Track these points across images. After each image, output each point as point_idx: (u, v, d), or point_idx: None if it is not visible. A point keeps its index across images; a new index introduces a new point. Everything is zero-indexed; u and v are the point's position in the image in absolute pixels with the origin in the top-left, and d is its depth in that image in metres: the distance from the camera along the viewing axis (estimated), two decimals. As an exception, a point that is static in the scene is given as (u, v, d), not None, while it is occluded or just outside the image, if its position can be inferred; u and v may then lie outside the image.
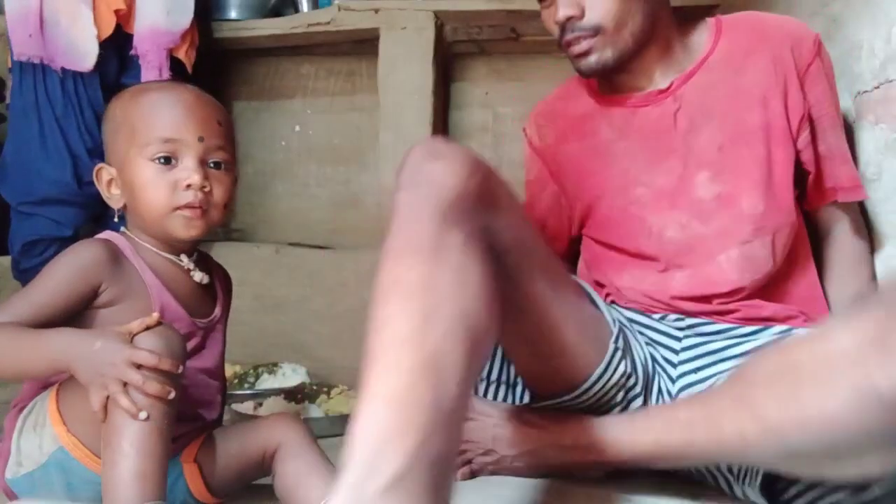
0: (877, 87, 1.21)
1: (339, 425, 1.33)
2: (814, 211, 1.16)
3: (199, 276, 0.98)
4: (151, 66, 1.74)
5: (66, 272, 0.86)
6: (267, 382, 1.67)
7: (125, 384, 0.76)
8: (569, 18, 1.07)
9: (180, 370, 0.80)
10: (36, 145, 1.67)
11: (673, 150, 1.10)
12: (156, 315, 0.82)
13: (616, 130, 1.15)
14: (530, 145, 1.29)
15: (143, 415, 0.75)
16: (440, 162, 0.75)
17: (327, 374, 1.78)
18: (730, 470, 0.91)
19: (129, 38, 1.76)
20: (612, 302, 1.14)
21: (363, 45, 2.13)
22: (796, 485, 0.80)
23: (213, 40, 2.09)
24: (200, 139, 0.91)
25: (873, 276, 1.13)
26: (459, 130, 2.30)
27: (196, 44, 1.89)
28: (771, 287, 1.07)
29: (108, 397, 0.77)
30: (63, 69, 1.65)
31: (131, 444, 0.75)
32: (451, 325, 0.67)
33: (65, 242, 1.59)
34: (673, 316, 1.07)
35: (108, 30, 1.70)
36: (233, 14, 2.14)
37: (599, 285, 1.18)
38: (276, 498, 0.92)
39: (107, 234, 0.94)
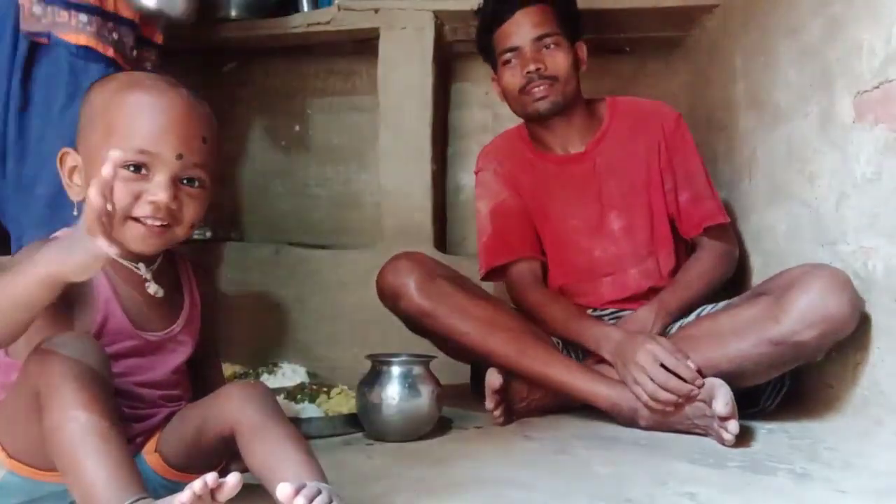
0: (877, 87, 1.21)
1: (339, 425, 1.32)
2: (692, 239, 1.58)
3: (153, 289, 0.91)
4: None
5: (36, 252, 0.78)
6: (267, 382, 1.67)
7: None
8: (537, 69, 1.53)
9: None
10: None
11: (593, 196, 1.59)
12: (109, 164, 0.71)
13: (549, 179, 1.62)
14: (495, 173, 1.66)
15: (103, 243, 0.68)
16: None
17: (327, 374, 1.78)
18: None
19: None
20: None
21: (363, 45, 2.13)
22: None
23: (214, 39, 2.09)
24: (179, 156, 0.84)
25: (705, 287, 1.52)
26: (459, 130, 2.30)
27: None
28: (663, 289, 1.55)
29: (44, 435, 0.73)
30: None
31: (84, 456, 0.71)
32: None
33: None
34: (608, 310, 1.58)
35: None
36: (233, 13, 2.14)
37: None
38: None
39: (62, 233, 0.88)
